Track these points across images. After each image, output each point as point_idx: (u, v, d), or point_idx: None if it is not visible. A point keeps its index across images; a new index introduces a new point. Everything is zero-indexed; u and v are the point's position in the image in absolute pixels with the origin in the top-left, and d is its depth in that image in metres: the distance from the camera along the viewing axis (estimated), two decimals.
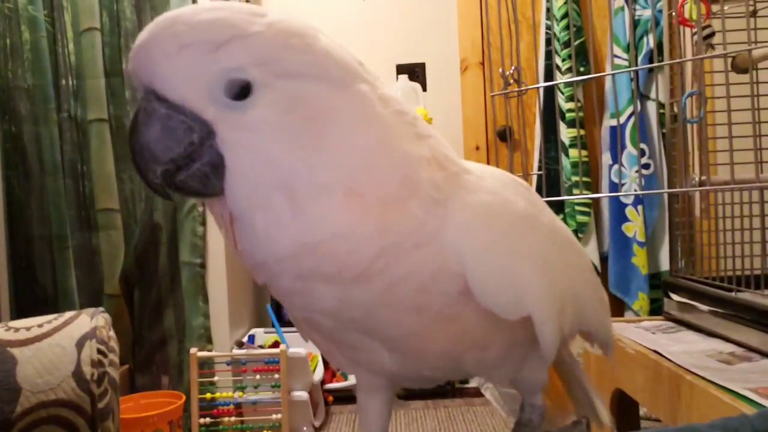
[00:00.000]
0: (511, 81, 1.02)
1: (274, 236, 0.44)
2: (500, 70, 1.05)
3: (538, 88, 1.10)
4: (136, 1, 2.14)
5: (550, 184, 2.54)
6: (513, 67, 1.01)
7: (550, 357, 0.54)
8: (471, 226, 0.48)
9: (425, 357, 0.53)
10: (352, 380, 2.53)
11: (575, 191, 2.55)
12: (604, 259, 2.59)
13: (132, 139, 0.45)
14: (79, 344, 0.78)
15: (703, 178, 1.26)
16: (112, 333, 0.79)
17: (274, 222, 0.43)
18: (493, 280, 0.48)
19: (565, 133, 2.59)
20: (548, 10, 2.63)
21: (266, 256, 0.45)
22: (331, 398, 2.48)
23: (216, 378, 2.07)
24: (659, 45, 1.89)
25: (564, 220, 2.59)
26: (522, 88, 1.02)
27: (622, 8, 2.46)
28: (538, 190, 1.16)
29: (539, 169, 2.56)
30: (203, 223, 2.17)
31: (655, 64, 1.05)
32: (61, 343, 0.78)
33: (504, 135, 2.69)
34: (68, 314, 0.85)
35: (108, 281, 2.15)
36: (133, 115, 0.45)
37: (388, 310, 0.48)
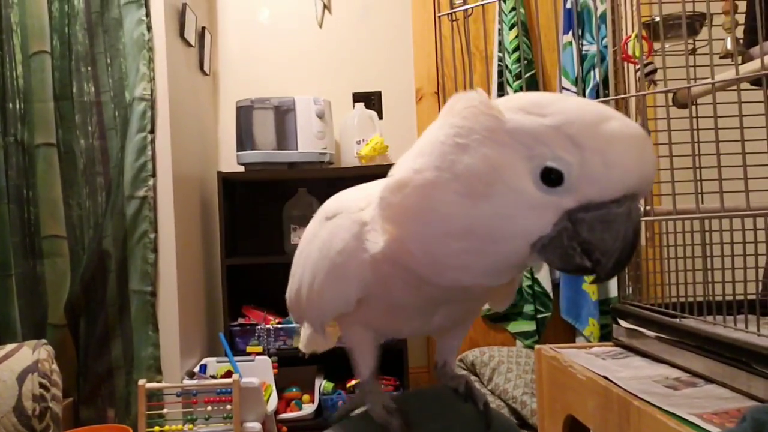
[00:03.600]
0: None
1: None
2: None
3: None
4: (88, 25, 2.11)
5: None
6: None
7: None
8: None
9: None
10: (305, 411, 2.49)
11: None
12: (555, 285, 2.64)
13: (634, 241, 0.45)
14: (21, 378, 0.75)
15: (648, 208, 1.30)
16: (55, 366, 0.76)
17: None
18: None
19: None
20: (500, 42, 2.71)
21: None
22: (285, 429, 2.43)
23: (165, 410, 2.01)
24: (605, 79, 1.97)
25: None
26: None
27: (570, 43, 2.56)
28: None
29: None
30: (155, 250, 2.12)
31: (602, 99, 1.08)
32: (1, 377, 0.75)
33: None
34: (9, 347, 0.82)
35: (53, 311, 2.07)
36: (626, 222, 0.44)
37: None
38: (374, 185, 0.58)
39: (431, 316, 0.60)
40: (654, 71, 1.31)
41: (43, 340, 0.85)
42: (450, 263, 0.48)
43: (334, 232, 0.59)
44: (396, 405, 0.60)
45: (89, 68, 2.11)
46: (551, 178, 0.43)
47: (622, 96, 1.20)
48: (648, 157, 0.44)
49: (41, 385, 0.75)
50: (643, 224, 1.40)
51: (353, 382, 2.60)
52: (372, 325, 0.64)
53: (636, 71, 1.35)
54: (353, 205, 0.59)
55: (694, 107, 1.36)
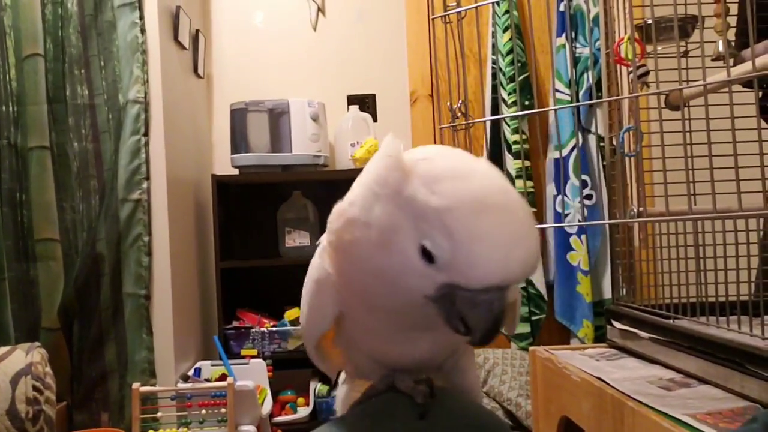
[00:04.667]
0: (459, 114, 1.05)
1: None
2: (448, 103, 1.08)
3: (484, 121, 1.13)
4: (81, 28, 2.10)
5: None
6: (460, 101, 1.04)
7: None
8: None
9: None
10: (300, 414, 2.49)
11: None
12: (550, 287, 2.65)
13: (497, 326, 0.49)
14: (14, 381, 0.75)
15: (641, 209, 1.31)
16: (48, 369, 0.76)
17: None
18: None
19: (512, 165, 2.66)
20: (494, 45, 2.72)
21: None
22: None
23: (159, 414, 2.00)
24: (598, 82, 1.97)
25: None
26: (469, 122, 1.05)
27: (564, 46, 2.57)
28: None
29: None
30: (149, 253, 2.11)
31: (594, 101, 1.09)
32: None
33: None
34: (2, 349, 0.82)
35: (46, 314, 2.06)
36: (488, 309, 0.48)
37: None
38: None
39: (415, 341, 0.60)
40: (646, 73, 1.32)
41: (37, 343, 0.84)
42: (370, 293, 0.52)
43: (317, 254, 0.64)
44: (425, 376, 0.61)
45: (83, 71, 2.11)
46: (428, 254, 0.47)
47: (615, 98, 1.21)
48: (517, 256, 0.46)
49: (35, 388, 0.74)
50: (636, 225, 1.40)
51: None
52: (364, 349, 0.65)
53: (629, 73, 1.35)
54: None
55: (686, 109, 1.37)
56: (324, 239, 0.61)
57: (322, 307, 0.61)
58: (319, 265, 0.61)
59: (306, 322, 0.65)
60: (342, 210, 0.53)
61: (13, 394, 0.70)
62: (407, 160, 0.49)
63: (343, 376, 0.78)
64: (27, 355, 0.79)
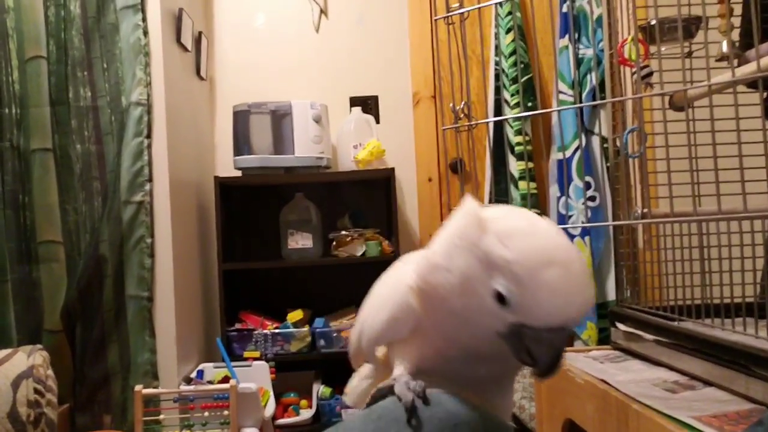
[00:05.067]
0: (462, 116, 1.04)
1: None
2: (451, 104, 1.07)
3: (487, 122, 1.13)
4: (84, 30, 2.10)
5: None
6: (463, 102, 1.03)
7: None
8: None
9: None
10: (303, 416, 2.48)
11: None
12: None
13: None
14: (15, 384, 0.74)
15: (645, 210, 1.30)
16: (50, 372, 0.75)
17: None
18: None
19: (515, 166, 2.65)
20: (497, 47, 2.71)
21: None
22: None
23: (162, 416, 1.99)
24: (601, 83, 1.97)
25: None
26: (472, 123, 1.05)
27: (567, 47, 2.56)
28: None
29: (490, 201, 2.61)
30: (151, 255, 2.11)
31: (598, 102, 1.08)
32: None
33: (456, 167, 2.73)
34: (4, 352, 0.81)
35: (49, 316, 2.06)
36: (550, 345, 0.56)
37: None
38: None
39: (474, 365, 0.66)
40: (650, 74, 1.31)
41: (39, 346, 0.84)
42: (448, 328, 0.61)
43: (401, 270, 0.69)
44: (423, 386, 0.64)
45: (85, 73, 2.11)
46: (501, 297, 0.55)
47: (618, 99, 1.20)
48: (575, 302, 0.55)
49: (36, 391, 0.74)
50: (641, 227, 1.40)
51: None
52: (418, 361, 0.68)
53: (632, 74, 1.35)
54: (412, 265, 0.67)
55: (690, 110, 1.36)
56: (409, 261, 0.68)
57: (403, 321, 0.66)
58: (405, 282, 0.65)
59: (380, 328, 0.70)
60: (429, 256, 0.61)
61: (14, 397, 0.70)
62: (484, 217, 0.58)
63: (363, 371, 0.83)
64: (29, 358, 0.79)
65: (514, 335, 0.56)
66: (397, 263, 0.73)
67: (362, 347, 0.75)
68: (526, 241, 0.55)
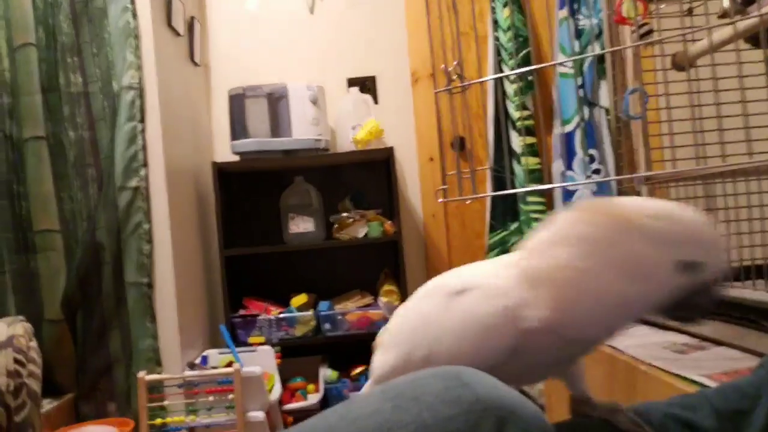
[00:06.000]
0: (454, 77, 1.01)
1: None
2: (442, 66, 1.04)
3: (481, 82, 1.09)
4: (72, 15, 2.07)
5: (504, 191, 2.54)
6: (455, 62, 1.00)
7: None
8: None
9: None
10: (311, 400, 2.47)
11: (529, 199, 2.57)
12: None
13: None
14: None
15: (649, 173, 1.27)
16: (33, 343, 0.73)
17: None
18: None
19: (516, 142, 2.61)
20: (495, 21, 2.66)
21: None
22: (290, 419, 2.41)
23: (166, 402, 1.98)
24: (602, 57, 1.92)
25: (519, 227, 2.60)
26: (465, 83, 1.01)
27: (566, 19, 2.51)
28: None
29: (493, 178, 2.58)
30: (150, 241, 2.09)
31: (597, 53, 1.04)
32: None
33: (456, 146, 2.69)
34: None
35: (49, 306, 2.04)
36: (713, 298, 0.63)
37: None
38: (487, 266, 0.71)
39: (550, 370, 0.73)
40: (650, 32, 1.28)
41: (20, 317, 0.82)
42: (595, 325, 0.63)
43: (475, 306, 0.67)
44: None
45: (75, 59, 2.08)
46: (685, 266, 0.60)
47: (618, 48, 1.16)
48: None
49: (16, 361, 0.71)
50: (645, 191, 1.36)
51: (358, 370, 2.57)
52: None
53: (631, 33, 1.31)
54: (486, 283, 0.68)
55: (692, 71, 1.32)
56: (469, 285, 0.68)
57: (489, 356, 0.65)
58: (496, 320, 0.65)
59: (472, 354, 0.67)
60: (561, 266, 0.63)
61: None
62: (620, 212, 0.62)
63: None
64: (8, 328, 0.77)
65: (694, 294, 0.61)
66: (454, 291, 0.70)
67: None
68: (682, 215, 0.61)
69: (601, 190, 2.42)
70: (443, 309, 0.70)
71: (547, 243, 0.65)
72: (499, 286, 0.66)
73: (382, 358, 0.75)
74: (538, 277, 0.64)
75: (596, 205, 0.64)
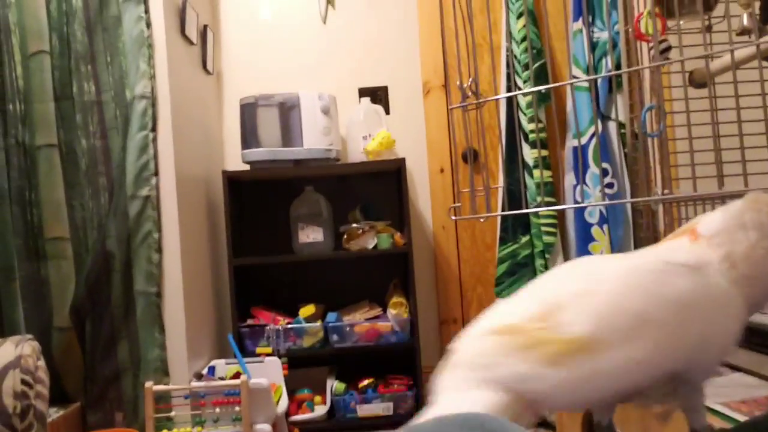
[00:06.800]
0: (470, 93, 0.99)
1: None
2: (457, 82, 1.02)
3: (497, 99, 1.08)
4: (87, 23, 2.08)
5: (515, 205, 2.53)
6: (471, 79, 0.98)
7: None
8: None
9: None
10: (318, 412, 2.45)
11: (541, 212, 2.55)
12: None
13: None
14: (1, 375, 0.71)
15: (666, 191, 1.24)
16: (41, 362, 0.72)
17: None
18: None
19: (529, 154, 2.60)
20: (508, 33, 2.65)
21: None
22: (296, 431, 2.39)
23: (173, 413, 1.97)
24: (617, 66, 1.90)
25: (530, 240, 2.58)
26: (480, 101, 1.00)
27: (580, 30, 2.49)
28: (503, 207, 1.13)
29: (505, 190, 2.56)
30: (159, 251, 2.08)
31: (615, 72, 1.03)
32: None
33: (467, 157, 2.68)
34: None
35: (58, 313, 2.04)
36: None
37: None
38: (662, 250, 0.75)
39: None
40: (668, 49, 1.26)
41: (29, 336, 0.80)
42: None
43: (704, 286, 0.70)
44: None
45: (89, 67, 2.08)
46: None
47: (636, 68, 1.15)
48: None
49: (23, 382, 0.70)
50: (661, 210, 1.34)
51: (366, 382, 2.55)
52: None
53: (649, 49, 1.29)
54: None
55: (712, 87, 1.30)
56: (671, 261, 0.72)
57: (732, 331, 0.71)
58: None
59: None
60: (755, 246, 0.72)
61: None
62: None
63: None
64: (16, 348, 0.76)
65: None
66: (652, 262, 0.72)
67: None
68: None
69: (614, 206, 2.40)
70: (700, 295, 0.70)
71: (727, 229, 0.73)
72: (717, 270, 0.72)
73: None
74: (740, 259, 0.71)
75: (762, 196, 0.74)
